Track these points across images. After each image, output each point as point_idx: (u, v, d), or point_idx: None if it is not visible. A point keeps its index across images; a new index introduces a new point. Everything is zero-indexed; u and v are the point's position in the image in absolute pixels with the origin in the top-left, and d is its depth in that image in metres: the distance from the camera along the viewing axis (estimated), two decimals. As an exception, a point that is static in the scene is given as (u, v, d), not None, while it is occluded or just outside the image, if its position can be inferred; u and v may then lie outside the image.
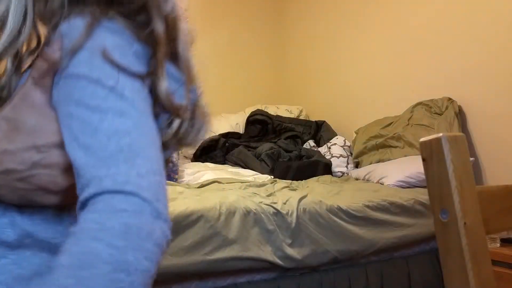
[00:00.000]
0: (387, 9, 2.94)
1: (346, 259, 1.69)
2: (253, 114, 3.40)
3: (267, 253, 1.53)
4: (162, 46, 0.54)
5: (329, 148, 2.91)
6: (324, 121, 3.27)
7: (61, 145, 0.50)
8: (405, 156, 2.42)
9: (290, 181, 2.35)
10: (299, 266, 1.59)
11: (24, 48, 0.58)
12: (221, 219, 1.50)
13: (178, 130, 0.57)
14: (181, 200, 1.59)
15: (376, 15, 3.03)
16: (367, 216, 1.76)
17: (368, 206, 1.79)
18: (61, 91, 0.50)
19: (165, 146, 0.56)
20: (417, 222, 1.87)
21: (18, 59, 0.57)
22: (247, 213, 1.56)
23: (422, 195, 1.95)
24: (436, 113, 2.41)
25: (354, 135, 2.96)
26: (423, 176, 0.61)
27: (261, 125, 3.34)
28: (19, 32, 0.53)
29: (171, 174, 2.65)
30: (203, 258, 1.43)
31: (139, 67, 0.52)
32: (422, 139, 0.57)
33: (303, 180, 2.42)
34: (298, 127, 3.29)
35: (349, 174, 2.70)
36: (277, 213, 1.60)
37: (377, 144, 2.64)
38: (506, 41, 2.16)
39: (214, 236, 1.47)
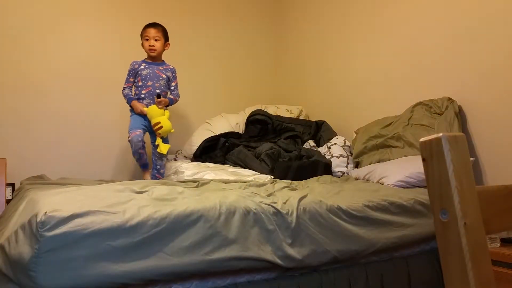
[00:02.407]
0: (386, 9, 2.94)
1: (346, 259, 1.69)
2: (253, 114, 3.40)
3: (267, 253, 1.52)
4: None
5: (329, 148, 2.91)
6: (324, 121, 3.27)
7: None
8: (405, 156, 2.42)
9: (290, 181, 2.35)
10: (299, 266, 1.59)
11: None
12: (221, 219, 1.50)
13: None
14: (181, 200, 1.59)
15: (376, 16, 3.03)
16: (367, 216, 1.76)
17: (368, 206, 1.79)
18: None
19: None
20: (417, 222, 1.87)
21: None
22: (247, 212, 1.56)
23: (422, 195, 1.95)
24: (436, 113, 2.41)
25: (354, 135, 2.96)
26: (423, 176, 0.61)
27: (261, 125, 3.33)
28: None
29: (158, 176, 2.79)
30: (203, 258, 1.43)
31: None
32: (422, 139, 0.57)
33: (303, 180, 2.42)
34: (298, 127, 3.29)
35: (349, 174, 2.70)
36: (277, 212, 1.60)
37: (377, 144, 2.64)
38: (506, 41, 2.16)
39: (214, 236, 1.47)
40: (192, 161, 3.11)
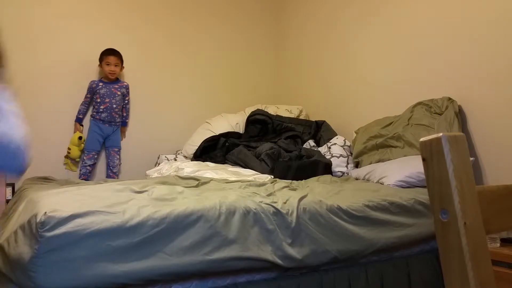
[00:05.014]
0: (387, 9, 2.94)
1: (346, 259, 1.69)
2: (253, 114, 3.40)
3: (267, 253, 1.52)
4: None
5: (329, 148, 2.91)
6: (324, 121, 3.27)
7: None
8: (405, 156, 2.42)
9: (290, 180, 2.35)
10: (299, 265, 1.58)
11: None
12: (221, 219, 1.50)
13: None
14: (181, 200, 1.59)
15: (376, 16, 3.03)
16: (367, 216, 1.76)
17: (368, 206, 1.79)
18: None
19: None
20: (417, 222, 1.87)
21: None
22: (247, 212, 1.55)
23: (422, 195, 1.95)
24: (436, 113, 2.40)
25: (354, 135, 2.96)
26: (423, 176, 0.61)
27: (261, 125, 3.33)
28: None
29: (112, 175, 3.17)
30: (203, 258, 1.42)
31: None
32: (422, 139, 0.57)
33: (303, 180, 2.42)
34: (298, 127, 3.29)
35: (349, 174, 2.70)
36: (277, 212, 1.60)
37: (377, 144, 2.64)
38: (506, 41, 2.16)
39: (214, 236, 1.46)
40: (192, 161, 3.11)
